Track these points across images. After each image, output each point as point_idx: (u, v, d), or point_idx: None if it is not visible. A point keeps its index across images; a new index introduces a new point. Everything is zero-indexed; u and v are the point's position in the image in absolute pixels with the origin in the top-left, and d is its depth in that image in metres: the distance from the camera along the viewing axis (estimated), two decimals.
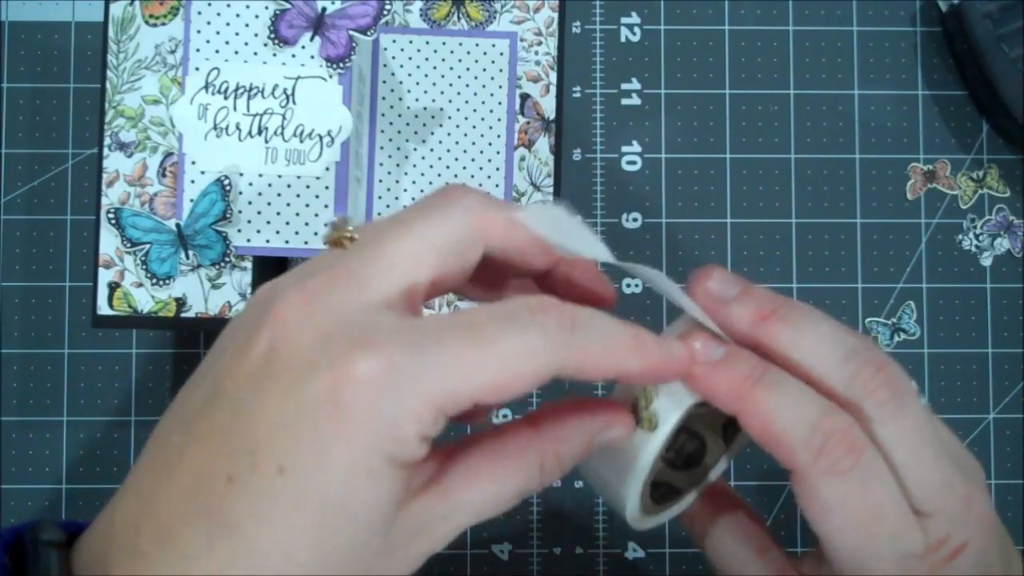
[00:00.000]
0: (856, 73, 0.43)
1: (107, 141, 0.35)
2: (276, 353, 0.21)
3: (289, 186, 0.34)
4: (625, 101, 0.42)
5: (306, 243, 0.34)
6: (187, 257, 0.34)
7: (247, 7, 0.35)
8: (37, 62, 0.42)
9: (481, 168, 0.39)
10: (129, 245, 0.34)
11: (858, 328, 0.42)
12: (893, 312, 0.42)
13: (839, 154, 0.42)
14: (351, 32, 0.34)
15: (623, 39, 0.43)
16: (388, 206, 0.39)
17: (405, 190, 0.39)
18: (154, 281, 0.34)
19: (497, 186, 0.39)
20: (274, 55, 0.34)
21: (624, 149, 0.42)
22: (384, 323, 0.21)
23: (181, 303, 0.34)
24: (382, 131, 0.39)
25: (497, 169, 0.39)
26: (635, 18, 0.43)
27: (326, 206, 0.34)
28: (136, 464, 0.22)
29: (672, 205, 0.42)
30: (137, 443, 0.41)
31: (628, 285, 0.42)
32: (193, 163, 0.34)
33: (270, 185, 0.34)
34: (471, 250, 0.23)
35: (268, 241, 0.34)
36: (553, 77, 0.39)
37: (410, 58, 0.39)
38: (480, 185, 0.39)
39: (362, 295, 0.21)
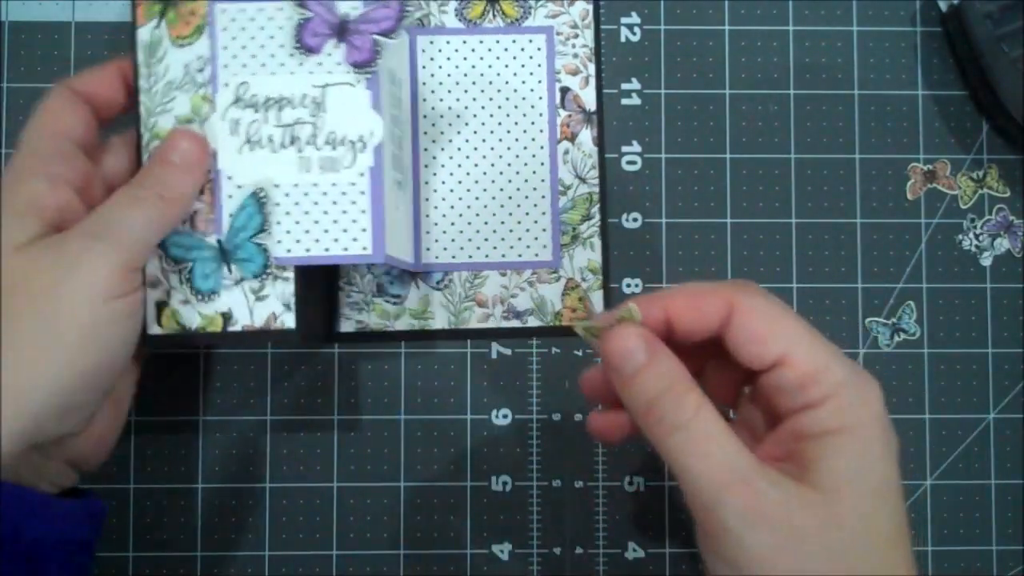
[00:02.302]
0: (856, 73, 0.43)
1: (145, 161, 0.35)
2: None
3: (325, 194, 0.34)
4: (625, 101, 0.42)
5: (345, 249, 0.34)
6: (230, 271, 0.34)
7: (270, 19, 0.35)
8: (37, 62, 0.42)
9: (526, 164, 0.40)
10: (173, 264, 0.34)
11: (858, 328, 0.42)
12: (893, 312, 0.42)
13: (839, 154, 0.42)
14: (375, 36, 0.34)
15: (623, 39, 0.43)
16: (436, 207, 0.40)
17: (452, 191, 0.40)
18: (200, 297, 0.34)
19: (543, 181, 0.40)
20: (300, 64, 0.34)
21: (624, 149, 0.42)
22: None
23: (227, 317, 0.34)
24: (425, 133, 0.40)
25: (542, 164, 0.40)
26: (635, 18, 0.43)
27: (363, 211, 0.34)
28: None
29: (672, 205, 0.42)
30: (136, 442, 0.41)
31: (628, 285, 0.42)
32: (229, 178, 0.34)
33: (306, 194, 0.34)
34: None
35: (308, 250, 0.34)
36: (592, 69, 0.40)
37: (448, 59, 0.40)
38: (526, 181, 0.40)
39: None
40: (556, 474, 0.41)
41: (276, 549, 0.40)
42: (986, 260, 0.42)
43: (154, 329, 0.34)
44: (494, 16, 0.40)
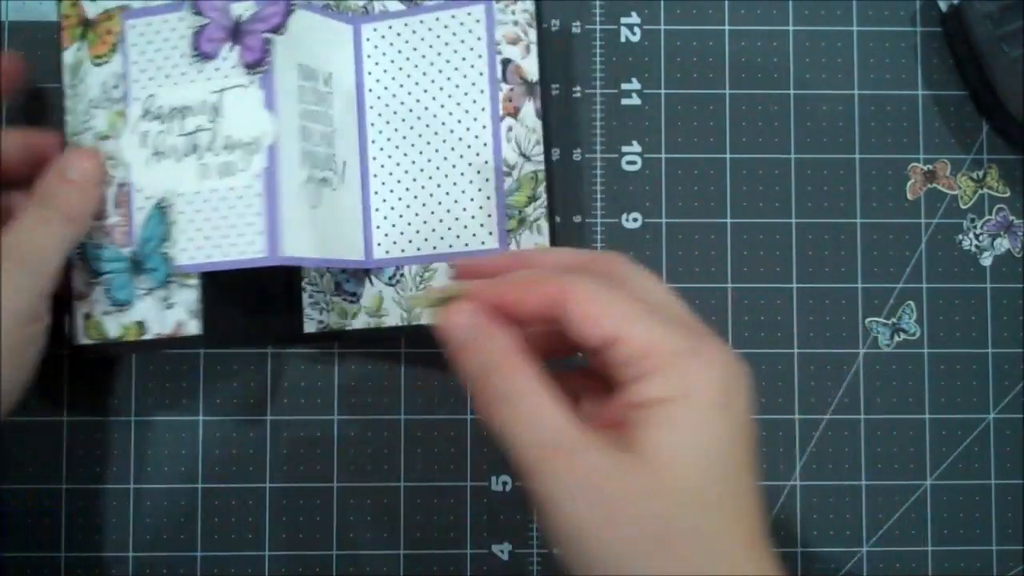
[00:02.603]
0: (856, 73, 0.43)
1: None
2: None
3: (224, 199, 0.34)
4: (625, 101, 0.42)
5: (242, 253, 0.34)
6: (140, 282, 0.35)
7: (173, 29, 0.35)
8: (37, 62, 0.42)
9: (469, 146, 0.38)
10: (96, 277, 0.36)
11: (858, 328, 0.42)
12: (893, 312, 0.42)
13: (839, 154, 0.42)
14: (265, 34, 0.34)
15: (623, 39, 0.43)
16: (384, 200, 0.38)
17: (399, 181, 0.38)
18: (117, 308, 0.35)
19: (487, 162, 0.37)
20: (200, 72, 0.35)
21: (624, 149, 0.42)
22: None
23: (141, 326, 0.35)
24: (372, 124, 0.39)
25: (485, 144, 0.37)
26: (635, 18, 0.43)
27: (258, 214, 0.34)
28: None
29: (672, 205, 0.42)
30: (136, 442, 0.41)
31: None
32: (139, 191, 0.35)
33: (206, 201, 0.34)
34: None
35: (209, 256, 0.34)
36: (532, 35, 0.37)
37: (391, 44, 0.38)
38: (470, 164, 0.38)
39: None
40: None
41: (276, 549, 0.40)
42: (986, 260, 0.42)
43: (82, 340, 0.36)
44: None
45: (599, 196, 0.42)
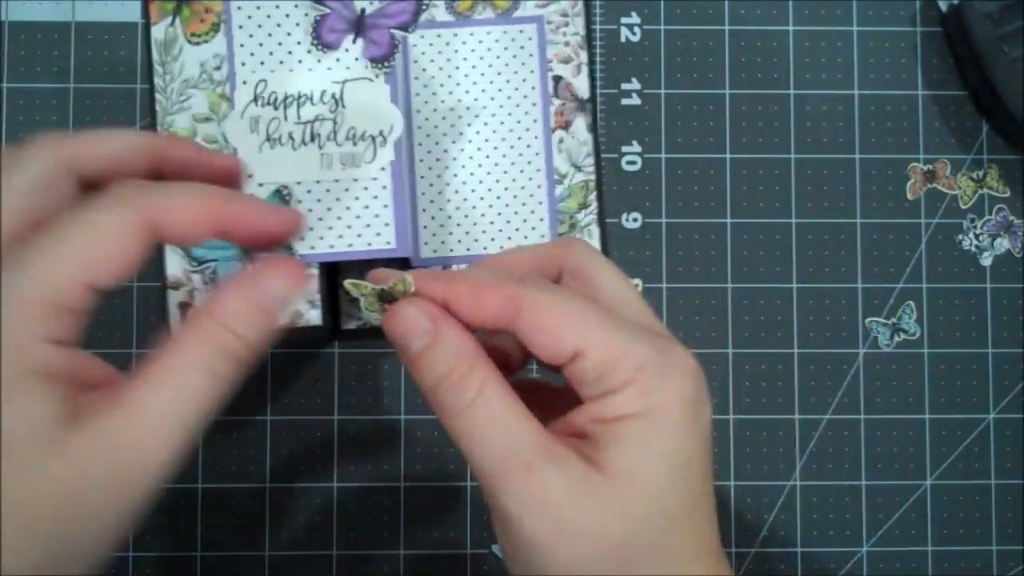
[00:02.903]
0: (856, 73, 0.43)
1: None
2: None
3: (347, 190, 0.34)
4: (625, 101, 0.42)
5: (369, 244, 0.34)
6: None
7: (287, 16, 0.35)
8: (37, 62, 0.42)
9: (521, 154, 0.39)
10: (196, 264, 0.35)
11: (858, 328, 0.42)
12: (893, 312, 0.42)
13: (839, 154, 0.42)
14: (392, 30, 0.34)
15: (623, 39, 0.43)
16: (432, 201, 0.39)
17: (448, 184, 0.39)
18: None
19: (539, 170, 0.39)
20: (319, 61, 0.34)
21: (624, 149, 0.42)
22: None
23: None
24: (419, 127, 0.39)
25: (537, 154, 0.39)
26: (635, 18, 0.43)
27: (385, 206, 0.34)
28: None
29: (672, 205, 0.42)
30: None
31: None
32: (250, 176, 0.34)
33: (328, 191, 0.34)
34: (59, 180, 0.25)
35: (332, 247, 0.34)
36: (584, 56, 0.39)
37: (439, 52, 0.39)
38: (521, 171, 0.39)
39: None
40: None
41: (276, 549, 0.40)
42: (986, 260, 0.42)
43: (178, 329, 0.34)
44: (484, 8, 0.39)
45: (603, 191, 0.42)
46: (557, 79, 0.39)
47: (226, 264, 0.34)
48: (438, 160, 0.39)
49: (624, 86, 0.42)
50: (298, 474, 0.41)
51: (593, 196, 0.39)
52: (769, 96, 0.43)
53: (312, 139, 0.34)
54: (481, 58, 0.39)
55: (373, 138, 0.34)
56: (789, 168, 0.42)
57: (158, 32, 0.36)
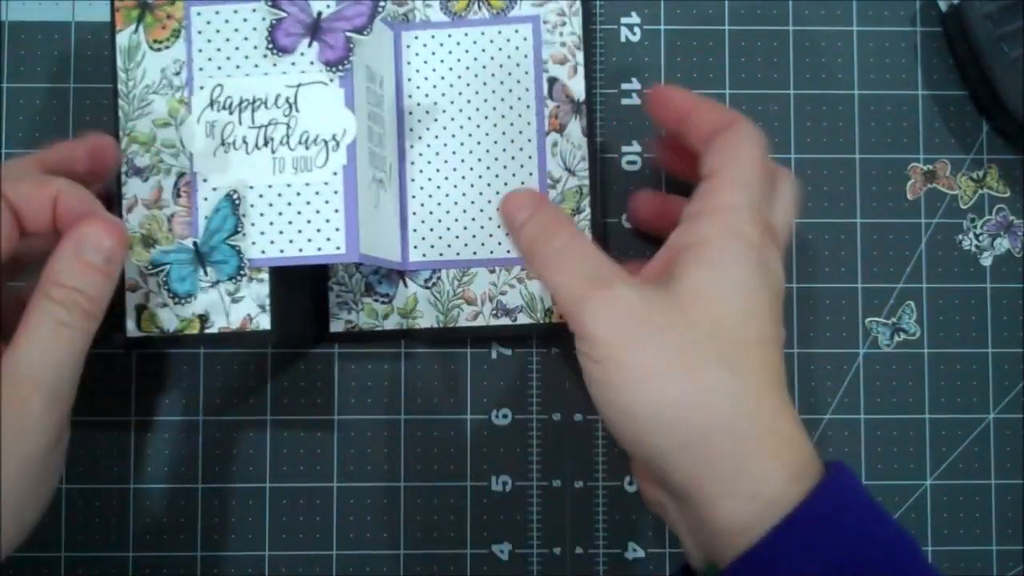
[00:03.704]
0: (856, 73, 0.43)
1: (124, 168, 0.35)
2: None
3: (299, 194, 0.34)
4: (625, 101, 0.42)
5: (319, 249, 0.34)
6: (205, 274, 0.34)
7: (244, 20, 0.35)
8: (37, 62, 0.42)
9: (513, 157, 0.38)
10: (151, 267, 0.35)
11: (858, 328, 0.42)
12: (893, 312, 0.42)
13: (839, 154, 0.42)
14: (347, 33, 0.34)
15: (623, 39, 0.43)
16: (422, 204, 0.39)
17: (439, 187, 0.39)
18: (176, 300, 0.35)
19: (531, 174, 0.39)
20: (274, 65, 0.34)
21: (624, 149, 0.42)
22: None
23: (204, 319, 0.35)
24: (411, 130, 0.39)
25: (530, 157, 0.38)
26: (635, 18, 0.43)
27: (336, 211, 0.34)
28: None
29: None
30: (136, 442, 0.41)
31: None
32: (204, 180, 0.34)
33: (280, 195, 0.34)
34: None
35: (282, 251, 0.34)
36: (580, 57, 0.38)
37: (433, 53, 0.39)
38: (514, 175, 0.39)
39: None
40: (556, 474, 0.41)
41: (276, 549, 0.40)
42: (986, 260, 0.42)
43: (133, 331, 0.35)
44: (480, 8, 0.39)
45: (599, 196, 0.42)
46: (552, 80, 0.38)
47: (179, 267, 0.34)
48: (429, 163, 0.39)
49: (624, 86, 0.42)
50: (298, 474, 0.41)
51: (587, 201, 0.38)
52: (769, 96, 0.43)
53: (266, 143, 0.34)
54: (475, 59, 0.39)
55: (326, 142, 0.34)
56: (789, 167, 0.42)
57: (122, 39, 0.36)
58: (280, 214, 0.34)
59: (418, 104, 0.39)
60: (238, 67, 0.35)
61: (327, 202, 0.34)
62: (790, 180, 0.33)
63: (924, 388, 0.42)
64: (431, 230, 0.39)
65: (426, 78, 0.39)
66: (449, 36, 0.39)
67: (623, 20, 0.43)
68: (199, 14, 0.35)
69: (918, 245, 0.42)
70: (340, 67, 0.34)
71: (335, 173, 0.34)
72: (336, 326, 0.40)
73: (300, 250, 0.34)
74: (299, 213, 0.34)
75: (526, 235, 0.32)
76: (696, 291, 0.28)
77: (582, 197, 0.38)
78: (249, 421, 0.41)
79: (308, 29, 0.34)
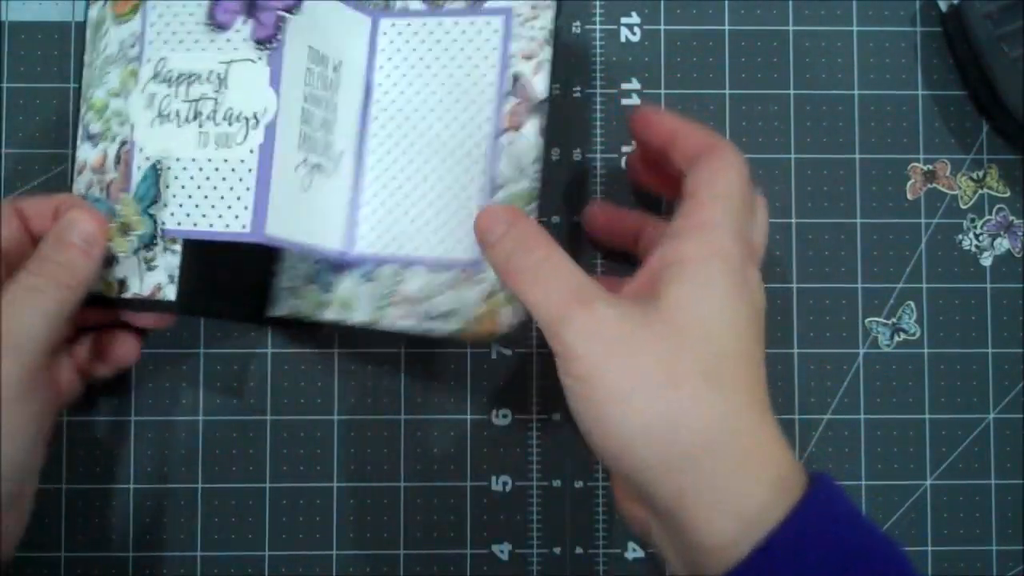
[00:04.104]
0: (856, 73, 0.43)
1: (80, 132, 0.37)
2: None
3: (217, 170, 0.34)
4: (625, 101, 0.42)
5: (227, 226, 0.34)
6: (127, 241, 0.35)
7: None
8: (37, 62, 0.42)
9: (468, 153, 0.36)
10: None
11: (858, 328, 0.42)
12: (893, 312, 0.42)
13: (839, 154, 0.42)
14: (279, 12, 0.34)
15: (623, 39, 0.43)
16: (375, 195, 0.38)
17: (393, 178, 0.38)
18: (104, 264, 0.35)
19: (483, 172, 0.36)
20: (212, 41, 0.35)
21: (624, 149, 0.42)
22: None
23: (122, 284, 0.35)
24: (375, 118, 0.38)
25: (484, 154, 0.36)
26: (635, 18, 0.43)
27: (248, 189, 0.34)
28: None
29: (672, 205, 0.42)
30: (135, 443, 0.41)
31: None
32: (140, 150, 0.35)
33: (201, 169, 0.34)
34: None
35: (195, 224, 0.34)
36: (546, 53, 0.36)
37: (407, 42, 0.38)
38: (465, 171, 0.36)
39: None
40: (556, 474, 0.41)
41: (276, 549, 0.40)
42: (986, 260, 0.42)
43: None
44: None
45: (599, 196, 0.42)
46: (516, 77, 0.36)
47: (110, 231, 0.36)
48: (388, 153, 0.38)
49: (624, 86, 0.42)
50: (298, 474, 0.41)
51: (533, 207, 0.35)
52: (769, 96, 0.43)
53: (195, 117, 0.34)
54: (445, 49, 0.37)
55: (247, 120, 0.34)
56: (789, 168, 0.42)
57: (93, 12, 0.37)
58: (199, 188, 0.34)
59: (385, 93, 0.38)
60: (181, 42, 0.35)
61: (240, 180, 0.34)
62: (765, 207, 0.33)
63: (924, 388, 0.42)
64: (379, 222, 0.38)
65: (396, 67, 0.38)
66: (424, 25, 0.38)
67: (623, 20, 0.43)
68: None
69: (918, 245, 0.42)
70: (268, 45, 0.34)
71: (251, 151, 0.34)
72: (279, 310, 0.39)
73: (211, 225, 0.34)
74: (215, 188, 0.34)
75: (501, 251, 0.31)
76: (679, 308, 0.28)
77: (529, 202, 0.35)
78: (249, 421, 0.41)
79: (244, 7, 0.34)
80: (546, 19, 0.36)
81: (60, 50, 0.42)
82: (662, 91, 0.42)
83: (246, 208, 0.34)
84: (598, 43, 0.42)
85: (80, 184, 0.36)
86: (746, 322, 0.29)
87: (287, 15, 0.34)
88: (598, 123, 0.42)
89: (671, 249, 0.30)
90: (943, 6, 0.42)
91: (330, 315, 0.38)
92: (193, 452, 0.41)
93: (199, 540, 0.40)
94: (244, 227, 0.33)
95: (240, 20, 0.34)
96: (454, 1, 0.37)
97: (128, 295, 0.35)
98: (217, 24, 0.35)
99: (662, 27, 0.43)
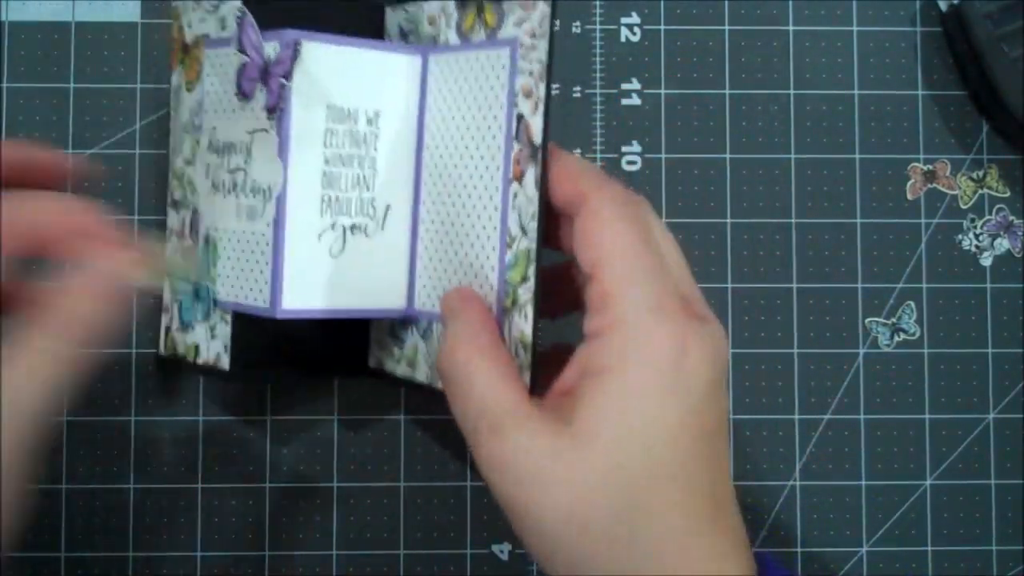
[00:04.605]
0: (856, 73, 0.43)
1: (168, 200, 0.39)
2: None
3: (247, 242, 0.34)
4: (625, 101, 0.42)
5: (255, 301, 0.33)
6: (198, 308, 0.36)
7: (233, 64, 0.34)
8: (37, 62, 0.42)
9: (485, 206, 0.32)
10: (175, 294, 0.37)
11: (858, 328, 0.42)
12: (893, 312, 0.42)
13: (839, 154, 0.42)
14: (280, 79, 0.32)
15: (623, 39, 0.43)
16: (426, 247, 0.35)
17: (437, 231, 0.34)
18: (183, 328, 0.37)
19: (496, 228, 0.31)
20: (242, 110, 0.34)
21: (624, 149, 0.42)
22: None
23: (196, 349, 0.36)
24: (427, 165, 0.35)
25: (496, 209, 0.31)
26: (635, 18, 0.43)
27: (268, 263, 0.33)
28: None
29: (672, 205, 0.42)
30: (136, 444, 0.41)
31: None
32: (203, 219, 0.36)
33: (239, 241, 0.34)
34: None
35: (236, 297, 0.34)
36: (541, 91, 0.30)
37: (446, 81, 0.34)
38: (483, 228, 0.32)
39: None
40: None
41: (275, 549, 0.40)
42: (986, 260, 0.42)
43: (161, 351, 0.39)
44: (480, 28, 0.32)
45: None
46: (519, 118, 0.30)
47: (187, 297, 0.37)
48: (434, 203, 0.34)
49: (624, 86, 0.42)
50: (298, 474, 0.41)
51: (532, 268, 0.30)
52: (769, 96, 0.43)
53: (233, 188, 0.34)
54: (470, 89, 0.33)
55: (264, 192, 0.33)
56: (789, 168, 0.42)
57: (174, 79, 0.38)
58: (239, 260, 0.34)
59: (433, 137, 0.34)
60: (223, 110, 0.35)
61: (263, 254, 0.33)
62: (670, 239, 0.29)
63: (924, 388, 0.42)
64: (430, 277, 0.34)
65: (439, 109, 0.34)
66: (456, 60, 0.33)
67: (623, 20, 0.43)
68: (209, 57, 0.35)
69: (918, 245, 0.42)
70: (273, 114, 0.32)
71: (268, 225, 0.33)
72: (370, 361, 0.38)
73: (245, 298, 0.34)
74: (246, 261, 0.34)
75: (441, 347, 0.29)
76: (595, 434, 0.25)
77: (529, 262, 0.30)
78: (249, 421, 0.41)
79: (261, 74, 0.33)
80: (542, 51, 0.30)
81: (60, 50, 0.42)
82: (662, 91, 0.42)
83: (266, 283, 0.33)
84: (598, 43, 0.42)
85: (169, 250, 0.38)
86: (680, 428, 0.25)
87: (284, 81, 0.32)
88: (598, 123, 0.42)
89: (591, 353, 0.26)
90: (943, 6, 0.42)
91: (400, 372, 0.36)
92: (193, 452, 0.41)
93: (199, 540, 0.40)
94: (264, 302, 0.33)
95: (258, 88, 0.33)
96: (478, 32, 0.33)
97: (200, 361, 0.36)
98: (243, 93, 0.34)
99: (662, 27, 0.43)
